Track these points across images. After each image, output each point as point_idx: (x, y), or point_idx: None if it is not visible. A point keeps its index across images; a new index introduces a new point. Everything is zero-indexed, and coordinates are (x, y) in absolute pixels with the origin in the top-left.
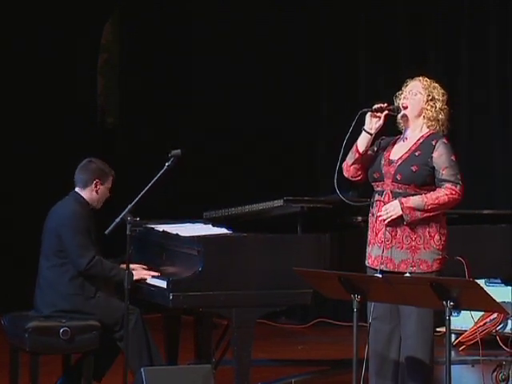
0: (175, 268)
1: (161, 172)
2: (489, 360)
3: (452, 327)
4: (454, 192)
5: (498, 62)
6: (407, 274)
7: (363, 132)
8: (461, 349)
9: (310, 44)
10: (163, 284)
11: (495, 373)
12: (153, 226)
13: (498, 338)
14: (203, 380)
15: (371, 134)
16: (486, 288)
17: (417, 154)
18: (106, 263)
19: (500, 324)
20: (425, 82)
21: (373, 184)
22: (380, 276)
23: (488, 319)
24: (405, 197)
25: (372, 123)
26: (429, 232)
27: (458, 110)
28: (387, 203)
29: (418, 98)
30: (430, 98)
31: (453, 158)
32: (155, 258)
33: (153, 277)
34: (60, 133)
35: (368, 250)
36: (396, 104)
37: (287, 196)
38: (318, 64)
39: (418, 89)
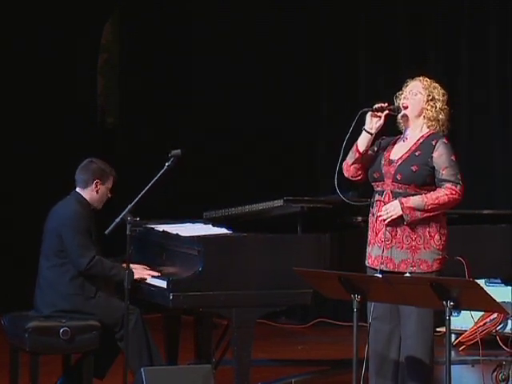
0: (175, 268)
1: (161, 172)
2: (489, 360)
3: (452, 327)
4: (454, 192)
5: (498, 62)
6: (407, 274)
7: (363, 132)
8: (461, 349)
9: (309, 44)
10: (163, 284)
11: (495, 373)
12: (153, 226)
13: (497, 337)
14: (203, 380)
15: (371, 134)
16: (486, 288)
17: (417, 153)
18: (106, 263)
19: (500, 324)
20: (425, 82)
21: (373, 184)
22: (380, 276)
23: (488, 319)
24: (405, 197)
25: (372, 123)
26: (429, 232)
27: (458, 110)
28: (387, 203)
29: (419, 98)
30: (431, 98)
31: (453, 157)
32: (155, 257)
33: (153, 277)
34: (60, 133)
35: (368, 249)
36: (396, 104)
37: (287, 196)
38: (317, 64)
39: (418, 89)
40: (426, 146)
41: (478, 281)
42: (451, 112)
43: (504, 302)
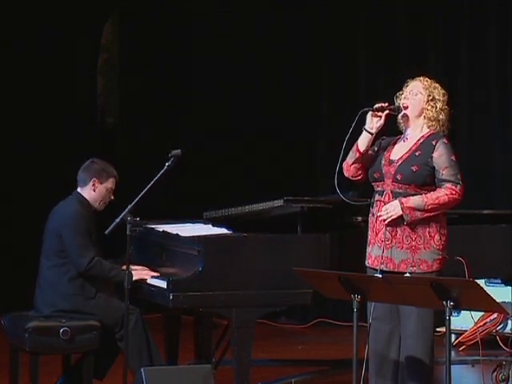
0: (175, 268)
1: (161, 172)
2: (489, 360)
3: (452, 327)
4: (454, 192)
5: (498, 62)
6: (407, 274)
7: (364, 131)
8: (461, 349)
9: (309, 44)
10: (163, 284)
11: (495, 373)
12: (153, 226)
13: (498, 337)
14: (203, 380)
15: (372, 134)
16: (485, 288)
17: (417, 154)
18: (105, 264)
19: (500, 324)
20: (425, 82)
21: (373, 184)
22: (380, 276)
23: (488, 319)
24: (405, 197)
25: (373, 123)
26: (429, 232)
27: (458, 110)
28: (387, 203)
29: (419, 98)
30: (431, 98)
31: (453, 157)
32: (155, 258)
33: (153, 277)
34: (60, 133)
35: (368, 249)
36: (397, 104)
37: (287, 196)
38: (318, 64)
39: (418, 89)
40: (426, 146)
41: (478, 281)
42: (451, 112)
43: (504, 302)
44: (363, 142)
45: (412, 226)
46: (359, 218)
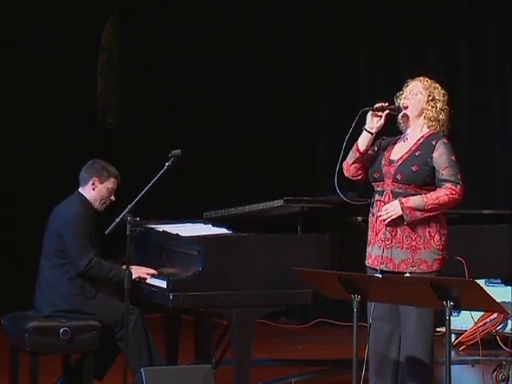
0: (175, 268)
1: (161, 172)
2: (489, 360)
3: (452, 327)
4: (454, 192)
5: (498, 62)
6: (407, 274)
7: (364, 131)
8: (461, 349)
9: (309, 44)
10: (163, 284)
11: (495, 373)
12: (153, 226)
13: (497, 337)
14: (203, 380)
15: (372, 134)
16: (485, 288)
17: (417, 154)
18: (104, 264)
19: (500, 324)
20: (425, 83)
21: (373, 184)
22: (380, 276)
23: (488, 319)
24: (405, 197)
25: (373, 122)
26: (429, 232)
27: (458, 109)
28: (387, 203)
29: (419, 98)
30: (431, 98)
31: (453, 157)
32: (155, 258)
33: (153, 276)
34: (60, 133)
35: (368, 249)
36: (397, 104)
37: (287, 196)
38: (318, 64)
39: (418, 89)
40: (426, 146)
41: (478, 281)
42: (451, 112)
43: (504, 302)
44: (363, 141)
45: (412, 226)
46: (359, 218)
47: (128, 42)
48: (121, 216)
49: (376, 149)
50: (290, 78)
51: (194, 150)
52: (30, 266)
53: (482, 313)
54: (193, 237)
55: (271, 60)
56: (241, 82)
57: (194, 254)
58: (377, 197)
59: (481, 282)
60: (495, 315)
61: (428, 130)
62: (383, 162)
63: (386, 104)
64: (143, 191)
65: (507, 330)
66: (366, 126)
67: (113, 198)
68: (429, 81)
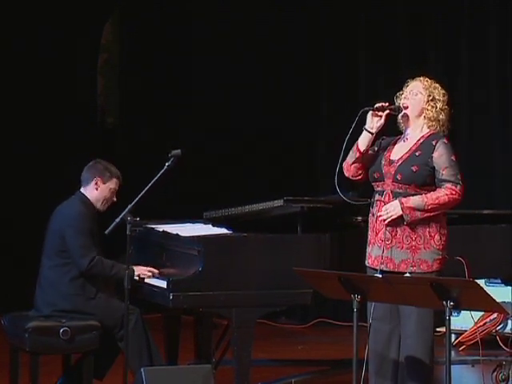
0: (175, 268)
1: (161, 172)
2: (489, 360)
3: (452, 327)
4: (454, 192)
5: (498, 62)
6: (407, 274)
7: (364, 131)
8: (461, 349)
9: (309, 44)
10: (163, 284)
11: (495, 373)
12: (153, 226)
13: (498, 337)
14: (203, 380)
15: (372, 134)
16: (485, 288)
17: (417, 154)
18: (106, 262)
19: (500, 324)
20: (425, 83)
21: (373, 184)
22: (380, 276)
23: (488, 319)
24: (405, 197)
25: (373, 122)
26: (429, 232)
27: (458, 109)
28: (387, 203)
29: (419, 98)
30: (431, 98)
31: (453, 158)
32: (155, 258)
33: (153, 276)
34: (60, 133)
35: (368, 249)
36: (397, 104)
37: (287, 196)
38: (318, 64)
39: (418, 89)
40: (426, 146)
41: (478, 281)
42: (451, 112)
43: (504, 302)
44: (363, 141)
45: (412, 226)
46: (359, 218)
47: (128, 42)
48: (121, 216)
49: (376, 149)
50: (290, 78)
51: (194, 150)
52: (30, 265)
53: (482, 313)
54: (193, 237)
55: (271, 60)
56: (241, 81)
57: (194, 254)
58: (377, 197)
59: (481, 282)
60: (495, 315)
61: (428, 130)
62: (383, 162)
63: (386, 104)
64: (143, 191)
65: (507, 329)
66: (366, 126)
67: (114, 198)
68: (429, 81)
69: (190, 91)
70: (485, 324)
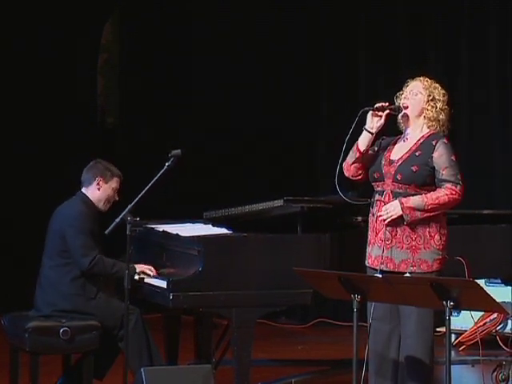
0: (175, 268)
1: (161, 172)
2: (489, 360)
3: (452, 327)
4: (454, 192)
5: (498, 62)
6: (407, 274)
7: (364, 131)
8: (461, 349)
9: (310, 44)
10: (163, 284)
11: (495, 373)
12: (153, 226)
13: (498, 337)
14: (203, 380)
15: (372, 133)
16: (485, 288)
17: (417, 154)
18: (107, 261)
19: (500, 324)
20: (425, 83)
21: (373, 184)
22: (380, 276)
23: (488, 319)
24: (405, 197)
25: (373, 122)
26: (429, 232)
27: (458, 109)
28: (387, 203)
29: (419, 98)
30: (431, 98)
31: (453, 158)
32: (155, 258)
33: (153, 276)
34: (60, 133)
35: (368, 249)
36: (397, 104)
37: (287, 196)
38: (318, 64)
39: (418, 89)
40: (426, 146)
41: (478, 281)
42: (451, 112)
43: (504, 302)
44: (363, 141)
45: (412, 226)
46: (359, 218)
47: (128, 42)
48: (121, 216)
49: (376, 149)
50: (290, 78)
51: (194, 150)
52: (30, 265)
53: (482, 313)
54: (193, 237)
55: (271, 60)
56: (241, 81)
57: (194, 254)
58: (377, 197)
59: (481, 282)
60: (495, 315)
61: (428, 130)
62: (383, 162)
63: (386, 104)
64: (143, 191)
65: (507, 329)
66: (366, 126)
67: (116, 197)
68: (429, 81)
69: (189, 91)
70: (485, 324)
